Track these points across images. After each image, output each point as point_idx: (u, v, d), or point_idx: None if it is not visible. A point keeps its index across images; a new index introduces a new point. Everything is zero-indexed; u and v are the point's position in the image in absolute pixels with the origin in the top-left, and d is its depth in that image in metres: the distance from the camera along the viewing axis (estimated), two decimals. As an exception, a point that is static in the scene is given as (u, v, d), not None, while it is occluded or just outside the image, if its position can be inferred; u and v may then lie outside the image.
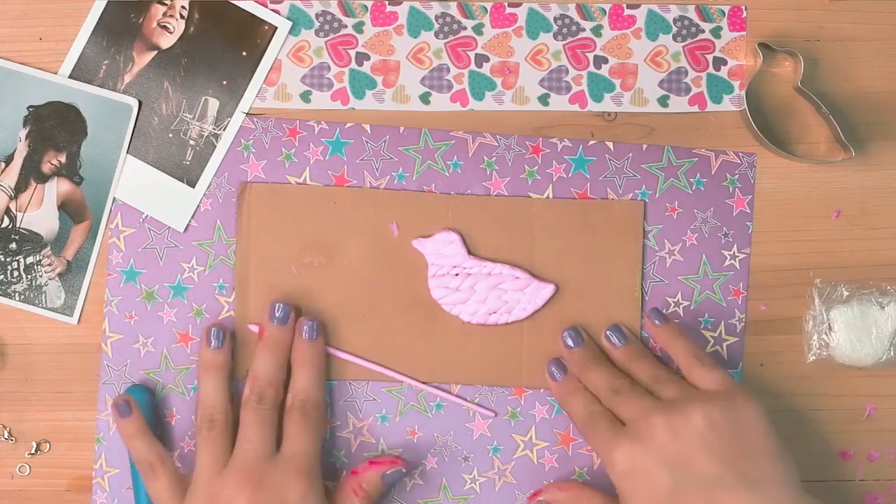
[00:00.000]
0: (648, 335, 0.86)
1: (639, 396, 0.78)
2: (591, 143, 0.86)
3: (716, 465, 0.73)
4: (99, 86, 0.85)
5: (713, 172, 0.86)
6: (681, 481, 0.74)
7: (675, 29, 0.87)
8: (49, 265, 0.85)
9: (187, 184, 0.85)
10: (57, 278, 0.85)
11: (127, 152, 0.85)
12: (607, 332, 0.84)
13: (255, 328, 0.84)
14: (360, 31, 0.86)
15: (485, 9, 0.86)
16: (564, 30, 0.86)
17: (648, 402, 0.77)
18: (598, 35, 0.87)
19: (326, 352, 0.84)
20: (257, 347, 0.82)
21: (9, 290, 0.85)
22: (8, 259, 0.85)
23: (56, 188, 0.85)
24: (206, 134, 0.85)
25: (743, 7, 0.87)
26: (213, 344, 0.82)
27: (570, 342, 0.84)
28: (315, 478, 0.79)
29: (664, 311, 0.85)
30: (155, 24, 0.85)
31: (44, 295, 0.85)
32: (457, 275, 0.84)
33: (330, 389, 0.86)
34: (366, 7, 0.86)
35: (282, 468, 0.78)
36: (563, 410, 0.84)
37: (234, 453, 0.79)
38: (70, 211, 0.85)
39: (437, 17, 0.86)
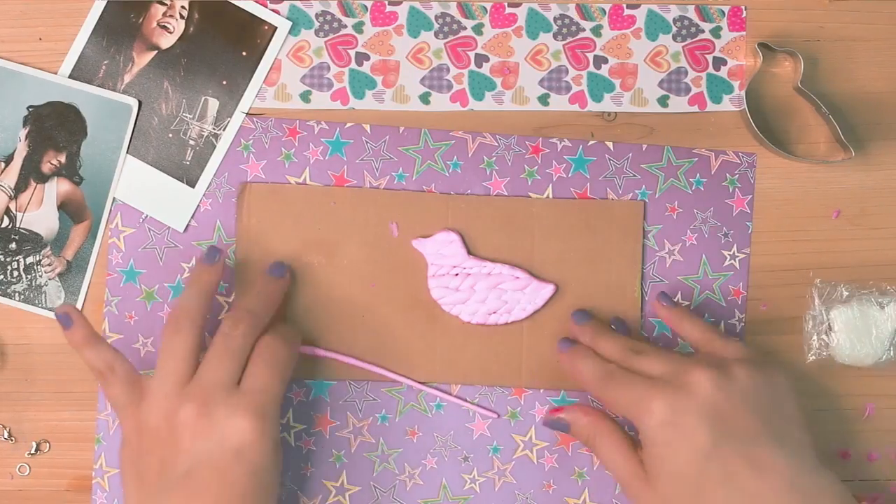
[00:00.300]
0: (653, 325, 0.86)
1: (668, 353, 0.78)
2: (591, 143, 0.86)
3: (757, 423, 0.73)
4: (99, 86, 0.85)
5: (713, 172, 0.86)
6: (720, 438, 0.73)
7: (674, 29, 0.87)
8: (49, 265, 0.85)
9: (187, 184, 0.85)
10: (57, 278, 0.85)
11: (127, 152, 0.85)
12: (611, 323, 0.85)
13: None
14: (360, 31, 0.86)
15: (485, 9, 0.86)
16: (564, 30, 0.86)
17: (684, 357, 0.78)
18: (598, 35, 0.87)
19: (318, 353, 0.84)
20: (249, 291, 0.82)
21: (9, 290, 0.85)
22: (8, 259, 0.85)
23: (56, 188, 0.85)
24: (205, 134, 0.85)
25: (743, 7, 0.87)
26: (205, 260, 0.80)
27: (578, 318, 0.84)
28: (268, 420, 0.75)
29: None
30: (155, 24, 0.85)
31: (44, 295, 0.85)
32: (456, 275, 0.84)
33: (330, 389, 0.86)
34: (366, 7, 0.86)
35: (234, 402, 0.74)
36: (574, 378, 0.82)
37: (196, 375, 0.76)
38: (70, 211, 0.85)
39: (436, 17, 0.86)
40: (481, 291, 0.84)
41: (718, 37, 0.87)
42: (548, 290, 0.85)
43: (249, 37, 0.85)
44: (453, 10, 0.86)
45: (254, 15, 0.85)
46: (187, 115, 0.85)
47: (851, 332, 0.84)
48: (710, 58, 0.87)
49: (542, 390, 0.86)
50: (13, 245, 0.85)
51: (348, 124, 0.86)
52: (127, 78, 0.85)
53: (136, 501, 0.75)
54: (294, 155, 0.86)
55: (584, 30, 0.86)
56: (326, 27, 0.86)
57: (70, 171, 0.85)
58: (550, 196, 0.86)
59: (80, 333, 0.78)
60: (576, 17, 0.86)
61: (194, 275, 0.80)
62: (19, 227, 0.85)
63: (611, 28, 0.86)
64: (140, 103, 0.85)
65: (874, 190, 0.87)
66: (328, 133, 0.86)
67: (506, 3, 0.86)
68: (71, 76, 0.85)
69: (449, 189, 0.86)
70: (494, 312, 0.85)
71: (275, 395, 0.76)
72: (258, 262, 0.85)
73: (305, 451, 0.86)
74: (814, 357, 0.86)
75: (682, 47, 0.87)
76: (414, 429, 0.86)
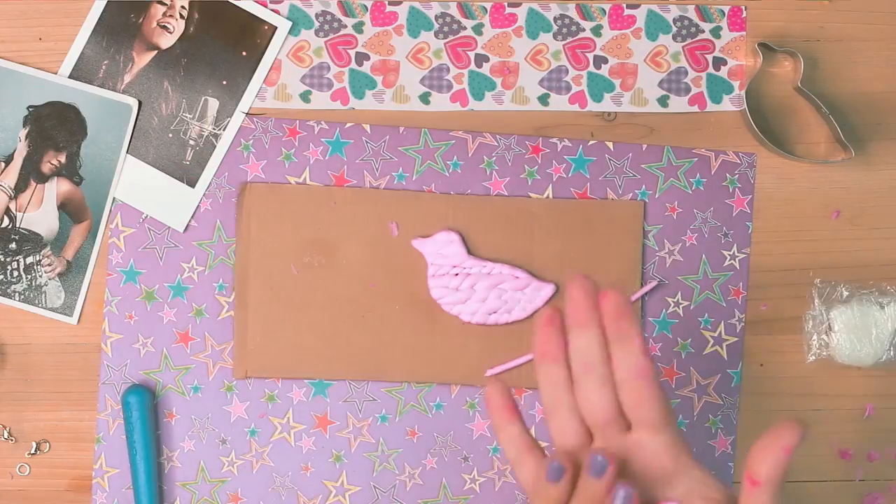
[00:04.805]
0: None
1: None
2: (591, 143, 0.86)
3: None
4: (99, 86, 0.85)
5: (713, 172, 0.86)
6: None
7: (674, 29, 0.87)
8: (49, 265, 0.85)
9: (187, 184, 0.85)
10: (57, 278, 0.85)
11: (127, 152, 0.85)
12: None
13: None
14: (360, 31, 0.86)
15: (485, 9, 0.86)
16: (564, 30, 0.86)
17: None
18: (598, 35, 0.87)
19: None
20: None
21: (9, 290, 0.85)
22: (8, 259, 0.85)
23: (56, 188, 0.85)
24: (205, 134, 0.85)
25: (743, 7, 0.87)
26: (550, 478, 0.63)
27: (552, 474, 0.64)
28: None
29: (664, 312, 0.83)
30: (155, 24, 0.85)
31: (44, 295, 0.85)
32: (456, 275, 0.84)
33: (330, 389, 0.86)
34: (366, 7, 0.86)
35: None
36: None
37: None
38: (70, 211, 0.85)
39: (436, 17, 0.86)
40: (481, 291, 0.84)
41: (718, 37, 0.87)
42: (548, 290, 0.85)
43: (249, 37, 0.85)
44: (453, 10, 0.86)
45: (254, 15, 0.85)
46: (187, 115, 0.85)
47: (851, 332, 0.84)
48: (710, 58, 0.87)
49: (542, 390, 0.86)
50: (13, 245, 0.85)
51: (348, 124, 0.86)
52: (127, 78, 0.85)
53: None
54: (294, 155, 0.86)
55: (584, 30, 0.86)
56: (326, 27, 0.86)
57: (70, 171, 0.85)
58: (550, 196, 0.86)
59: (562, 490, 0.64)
60: (576, 17, 0.86)
61: (541, 494, 0.64)
62: (19, 227, 0.85)
63: (611, 28, 0.86)
64: (140, 103, 0.85)
65: (874, 190, 0.87)
66: (328, 133, 0.86)
67: (506, 3, 0.86)
68: (71, 76, 0.85)
69: (449, 189, 0.86)
70: (494, 312, 0.85)
71: None
72: (258, 262, 0.85)
73: (305, 451, 0.86)
74: (814, 357, 0.86)
75: (682, 47, 0.87)
76: (414, 429, 0.86)
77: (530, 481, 0.65)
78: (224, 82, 0.85)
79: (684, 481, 0.63)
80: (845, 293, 0.86)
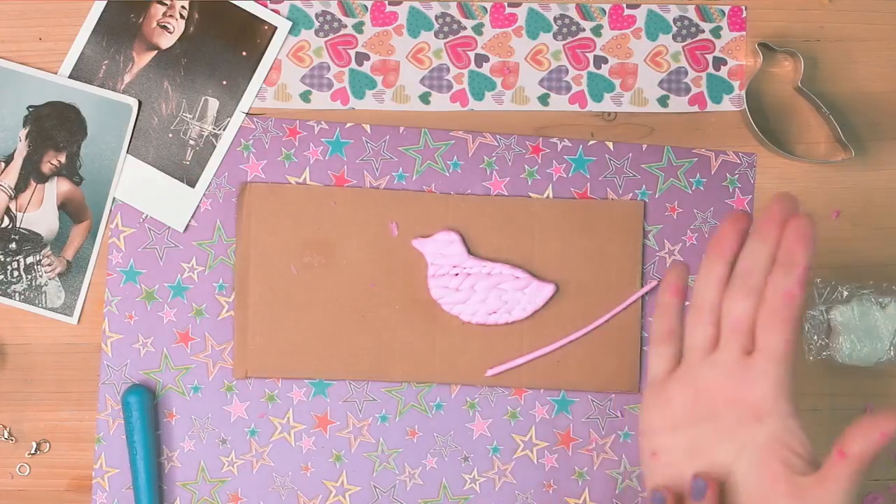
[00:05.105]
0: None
1: None
2: (591, 143, 0.86)
3: None
4: (99, 86, 0.85)
5: (713, 172, 0.86)
6: None
7: (675, 29, 0.87)
8: (49, 265, 0.85)
9: (187, 184, 0.85)
10: (57, 278, 0.85)
11: (127, 152, 0.85)
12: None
13: None
14: (360, 31, 0.86)
15: (485, 9, 0.86)
16: (564, 30, 0.86)
17: None
18: (598, 35, 0.87)
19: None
20: None
21: (9, 290, 0.85)
22: (8, 259, 0.85)
23: (56, 188, 0.85)
24: (206, 134, 0.85)
25: (743, 7, 0.87)
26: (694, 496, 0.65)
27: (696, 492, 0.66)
28: None
29: None
30: (155, 24, 0.85)
31: (44, 295, 0.85)
32: (457, 275, 0.84)
33: (330, 389, 0.86)
34: (366, 7, 0.86)
35: None
36: None
37: None
38: (70, 211, 0.85)
39: (437, 17, 0.86)
40: (481, 291, 0.84)
41: (718, 37, 0.87)
42: (548, 290, 0.85)
43: (249, 37, 0.85)
44: (453, 10, 0.86)
45: (254, 15, 0.85)
46: (187, 115, 0.85)
47: (851, 332, 0.84)
48: (710, 58, 0.87)
49: (542, 390, 0.86)
50: (13, 245, 0.85)
51: (348, 124, 0.86)
52: (127, 78, 0.85)
53: None
54: (294, 155, 0.86)
55: (584, 30, 0.86)
56: (326, 27, 0.86)
57: (70, 171, 0.85)
58: (550, 196, 0.86)
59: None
60: (576, 17, 0.86)
61: None
62: (19, 227, 0.85)
63: (611, 28, 0.86)
64: (140, 103, 0.85)
65: (874, 190, 0.87)
66: (328, 133, 0.86)
67: (506, 3, 0.86)
68: (71, 76, 0.85)
69: (449, 189, 0.86)
70: (494, 312, 0.85)
71: None
72: (258, 262, 0.85)
73: (305, 451, 0.86)
74: (814, 357, 0.86)
75: (682, 47, 0.87)
76: (414, 429, 0.86)
77: (655, 372, 0.68)
78: (224, 82, 0.85)
79: (775, 425, 0.64)
80: (845, 293, 0.85)
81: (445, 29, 0.86)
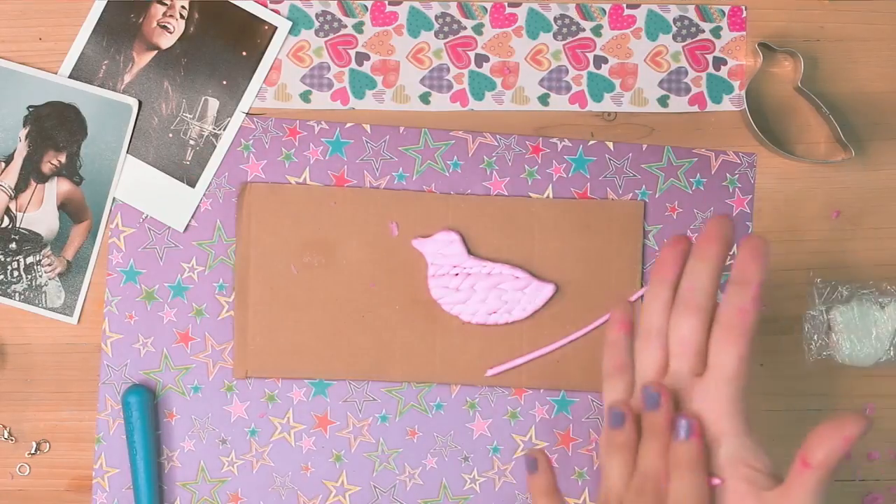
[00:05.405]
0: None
1: None
2: (591, 143, 0.86)
3: None
4: (99, 86, 0.85)
5: (713, 172, 0.86)
6: None
7: (675, 29, 0.87)
8: (49, 265, 0.85)
9: (187, 184, 0.85)
10: (57, 278, 0.85)
11: (127, 152, 0.85)
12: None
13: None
14: (360, 31, 0.86)
15: (485, 9, 0.86)
16: (564, 30, 0.86)
17: None
18: (598, 35, 0.87)
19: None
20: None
21: (9, 290, 0.85)
22: (8, 259, 0.85)
23: (56, 188, 0.85)
24: (206, 134, 0.85)
25: (743, 7, 0.87)
26: (612, 424, 0.65)
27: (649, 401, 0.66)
28: None
29: None
30: (155, 24, 0.85)
31: (44, 295, 0.85)
32: (457, 275, 0.84)
33: (330, 389, 0.86)
34: (366, 7, 0.86)
35: None
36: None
37: None
38: (70, 211, 0.85)
39: (437, 17, 0.86)
40: (481, 291, 0.84)
41: (718, 37, 0.87)
42: (548, 290, 0.85)
43: (249, 37, 0.85)
44: (453, 10, 0.86)
45: (254, 15, 0.85)
46: (187, 115, 0.85)
47: (851, 332, 0.84)
48: (710, 58, 0.87)
49: (542, 390, 0.86)
50: (13, 245, 0.85)
51: (348, 124, 0.86)
52: (127, 78, 0.85)
53: None
54: (294, 155, 0.86)
55: (584, 30, 0.86)
56: (326, 27, 0.86)
57: (70, 171, 0.85)
58: (550, 196, 0.86)
59: (542, 483, 0.69)
60: (576, 17, 0.86)
61: (608, 443, 0.66)
62: (19, 227, 0.85)
63: (611, 28, 0.86)
64: (140, 103, 0.85)
65: (874, 190, 0.87)
66: (328, 133, 0.86)
67: (506, 3, 0.86)
68: (71, 76, 0.85)
69: (449, 189, 0.86)
70: (494, 312, 0.85)
71: None
72: (258, 262, 0.85)
73: (305, 451, 0.86)
74: (814, 357, 0.86)
75: (682, 47, 0.87)
76: (414, 429, 0.86)
77: (609, 403, 0.67)
78: (224, 82, 0.85)
79: (732, 444, 0.63)
80: (845, 293, 0.85)
81: (445, 29, 0.86)
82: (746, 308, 0.63)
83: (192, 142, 0.85)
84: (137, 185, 0.85)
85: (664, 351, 0.66)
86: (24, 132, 0.84)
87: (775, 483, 0.62)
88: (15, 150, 0.85)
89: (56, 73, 0.85)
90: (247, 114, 0.85)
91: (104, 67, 0.85)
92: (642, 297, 0.86)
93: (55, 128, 0.84)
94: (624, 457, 0.64)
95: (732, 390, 0.64)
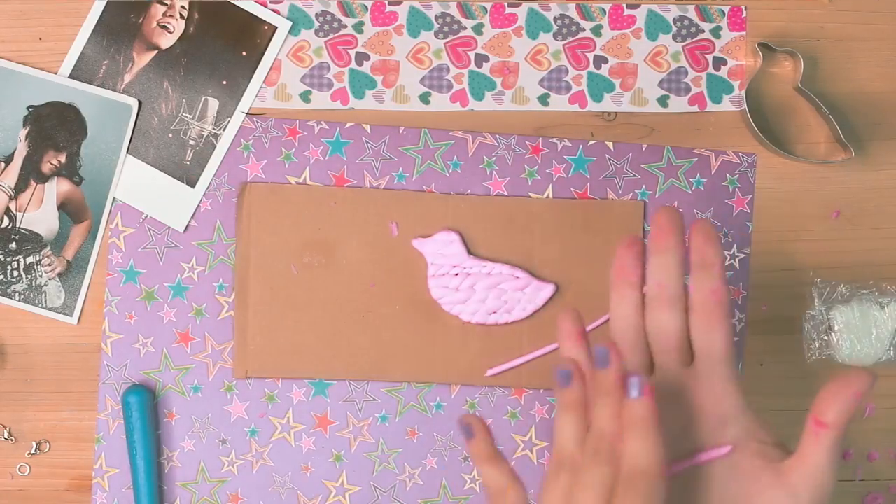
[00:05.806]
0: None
1: None
2: (591, 143, 0.86)
3: None
4: (99, 86, 0.85)
5: (713, 172, 0.86)
6: None
7: (674, 29, 0.87)
8: (49, 265, 0.85)
9: (187, 184, 0.85)
10: (57, 278, 0.85)
11: (127, 152, 0.85)
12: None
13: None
14: (360, 31, 0.86)
15: (485, 9, 0.86)
16: (564, 30, 0.86)
17: None
18: (598, 35, 0.87)
19: None
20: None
21: (9, 290, 0.85)
22: (8, 259, 0.85)
23: (56, 188, 0.85)
24: (205, 134, 0.85)
25: (743, 7, 0.87)
26: (561, 383, 0.63)
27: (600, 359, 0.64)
28: None
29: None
30: (155, 24, 0.85)
31: (44, 295, 0.85)
32: (456, 275, 0.84)
33: (330, 389, 0.86)
34: (366, 7, 0.86)
35: None
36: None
37: None
38: (70, 211, 0.85)
39: (436, 17, 0.86)
40: (481, 291, 0.84)
41: (718, 37, 0.87)
42: (548, 290, 0.85)
43: (249, 37, 0.85)
44: (453, 10, 0.86)
45: (254, 15, 0.85)
46: (187, 115, 0.85)
47: (851, 332, 0.84)
48: (710, 58, 0.87)
49: (542, 390, 0.86)
50: (13, 245, 0.85)
51: (348, 124, 0.86)
52: (127, 78, 0.85)
53: None
54: (294, 155, 0.86)
55: (584, 30, 0.86)
56: (326, 27, 0.86)
57: (70, 171, 0.85)
58: (550, 196, 0.86)
59: (481, 447, 0.66)
60: (576, 17, 0.86)
61: (562, 402, 0.63)
62: (19, 227, 0.85)
63: (611, 28, 0.86)
64: (140, 103, 0.85)
65: (874, 190, 0.87)
66: (328, 133, 0.86)
67: (506, 3, 0.86)
68: (71, 76, 0.85)
69: (449, 189, 0.86)
70: (494, 312, 0.85)
71: None
72: (258, 262, 0.85)
73: (305, 451, 0.86)
74: (814, 357, 0.86)
75: (682, 47, 0.87)
76: (414, 429, 0.86)
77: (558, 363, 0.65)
78: (224, 82, 0.85)
79: (738, 423, 0.64)
80: (845, 293, 0.85)
81: (445, 29, 0.86)
82: (717, 288, 0.63)
83: (192, 142, 0.85)
84: (137, 185, 0.85)
85: (646, 353, 0.66)
86: (24, 132, 0.84)
87: (785, 453, 0.63)
88: (15, 150, 0.85)
89: (56, 73, 0.85)
90: (247, 114, 0.85)
91: (104, 67, 0.85)
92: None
93: (55, 128, 0.84)
94: (575, 416, 0.62)
95: (727, 370, 0.64)
